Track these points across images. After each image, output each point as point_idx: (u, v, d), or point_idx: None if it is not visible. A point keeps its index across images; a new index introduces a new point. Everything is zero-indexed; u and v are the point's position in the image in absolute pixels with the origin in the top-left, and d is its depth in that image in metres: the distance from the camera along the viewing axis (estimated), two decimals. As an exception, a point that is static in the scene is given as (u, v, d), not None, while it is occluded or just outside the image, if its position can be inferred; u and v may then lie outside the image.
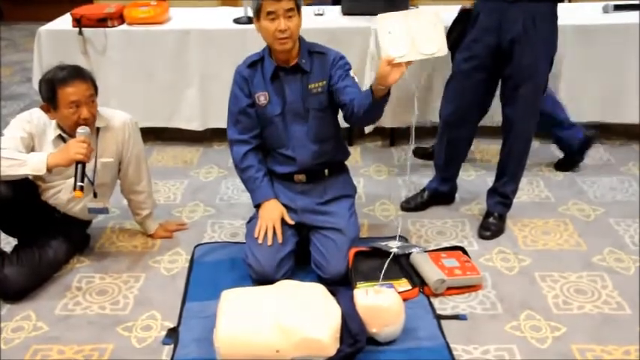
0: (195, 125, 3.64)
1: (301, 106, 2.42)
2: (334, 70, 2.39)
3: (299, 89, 2.41)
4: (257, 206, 2.49)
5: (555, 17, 2.51)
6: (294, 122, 2.44)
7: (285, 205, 2.47)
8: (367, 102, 2.21)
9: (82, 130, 2.29)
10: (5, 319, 2.26)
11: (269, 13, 2.25)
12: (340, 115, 2.46)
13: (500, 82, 2.65)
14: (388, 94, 2.18)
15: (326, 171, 2.54)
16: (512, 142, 2.68)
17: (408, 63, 2.10)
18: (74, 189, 2.24)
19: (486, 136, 3.54)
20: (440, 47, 2.14)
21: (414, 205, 2.94)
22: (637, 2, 3.61)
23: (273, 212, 2.43)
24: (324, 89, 2.41)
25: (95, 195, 2.51)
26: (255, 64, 2.43)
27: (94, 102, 2.36)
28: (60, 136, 2.38)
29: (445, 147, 2.83)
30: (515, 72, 2.53)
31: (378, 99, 2.18)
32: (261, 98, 2.42)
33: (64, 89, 2.27)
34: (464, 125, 2.76)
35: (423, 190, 2.98)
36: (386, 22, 2.11)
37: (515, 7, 2.44)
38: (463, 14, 2.89)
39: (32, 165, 2.21)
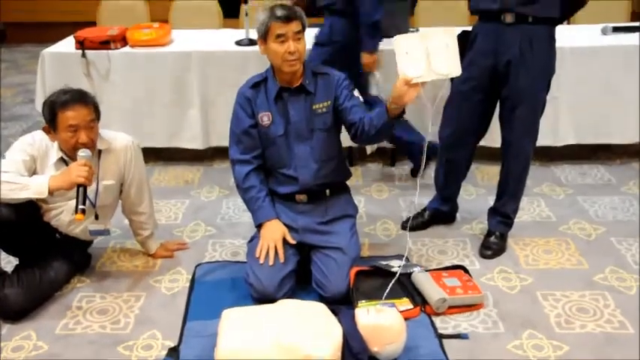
0: (197, 144, 3.66)
1: (305, 127, 2.44)
2: (340, 90, 2.42)
3: (303, 110, 2.43)
4: (259, 226, 2.49)
5: (553, 40, 2.53)
6: (298, 142, 2.45)
7: (286, 225, 2.47)
8: (381, 122, 2.24)
9: (83, 153, 2.29)
10: (5, 338, 2.25)
11: (278, 35, 2.28)
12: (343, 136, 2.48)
13: (498, 104, 2.67)
14: (403, 113, 2.21)
15: (327, 191, 2.54)
16: (511, 163, 2.69)
17: (424, 83, 2.14)
18: (75, 212, 2.23)
19: (486, 157, 3.55)
20: (454, 68, 2.18)
21: (415, 224, 2.93)
22: (636, 25, 3.64)
23: (274, 232, 2.43)
24: (329, 109, 2.43)
25: (97, 217, 2.51)
26: (258, 84, 2.45)
27: (93, 127, 2.36)
28: (62, 159, 2.39)
29: (445, 167, 2.84)
30: (511, 94, 2.55)
31: (392, 118, 2.21)
32: (265, 119, 2.44)
33: (64, 113, 2.28)
34: (462, 146, 2.77)
35: (424, 209, 2.98)
36: (403, 42, 2.14)
37: (511, 29, 2.47)
38: (462, 36, 2.92)
39: (34, 188, 2.21)
